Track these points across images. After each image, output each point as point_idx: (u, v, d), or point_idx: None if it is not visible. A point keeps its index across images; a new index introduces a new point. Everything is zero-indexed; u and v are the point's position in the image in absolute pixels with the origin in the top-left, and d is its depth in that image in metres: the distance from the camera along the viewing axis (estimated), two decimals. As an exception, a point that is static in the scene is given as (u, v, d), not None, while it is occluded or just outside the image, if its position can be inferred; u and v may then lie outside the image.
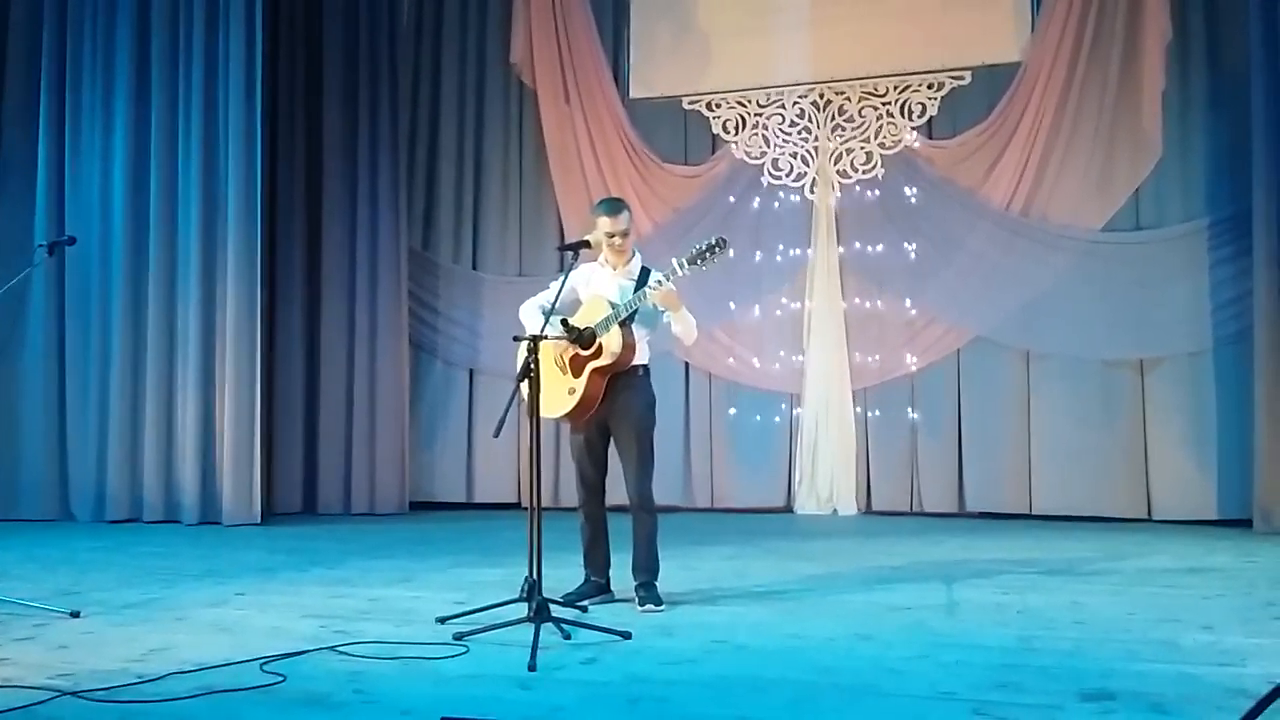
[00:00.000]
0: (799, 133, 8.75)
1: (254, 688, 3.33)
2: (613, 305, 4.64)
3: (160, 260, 8.35)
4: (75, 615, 4.45)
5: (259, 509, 8.16)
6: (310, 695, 3.27)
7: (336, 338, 9.15)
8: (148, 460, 8.27)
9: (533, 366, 4.22)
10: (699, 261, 4.56)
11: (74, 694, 3.24)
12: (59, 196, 8.60)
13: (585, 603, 4.64)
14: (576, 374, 4.64)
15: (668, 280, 4.59)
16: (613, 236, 4.75)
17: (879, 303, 8.50)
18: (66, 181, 8.60)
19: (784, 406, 8.70)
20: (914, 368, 8.39)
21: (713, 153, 8.99)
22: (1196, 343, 7.80)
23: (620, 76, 9.21)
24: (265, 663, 3.63)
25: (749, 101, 8.90)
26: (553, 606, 4.11)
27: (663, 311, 4.74)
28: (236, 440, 8.10)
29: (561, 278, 4.65)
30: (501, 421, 4.29)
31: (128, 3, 8.53)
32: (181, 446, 8.22)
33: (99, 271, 8.47)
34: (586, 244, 4.70)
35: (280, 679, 3.43)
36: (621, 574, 4.80)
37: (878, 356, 8.46)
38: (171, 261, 8.36)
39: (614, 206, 4.83)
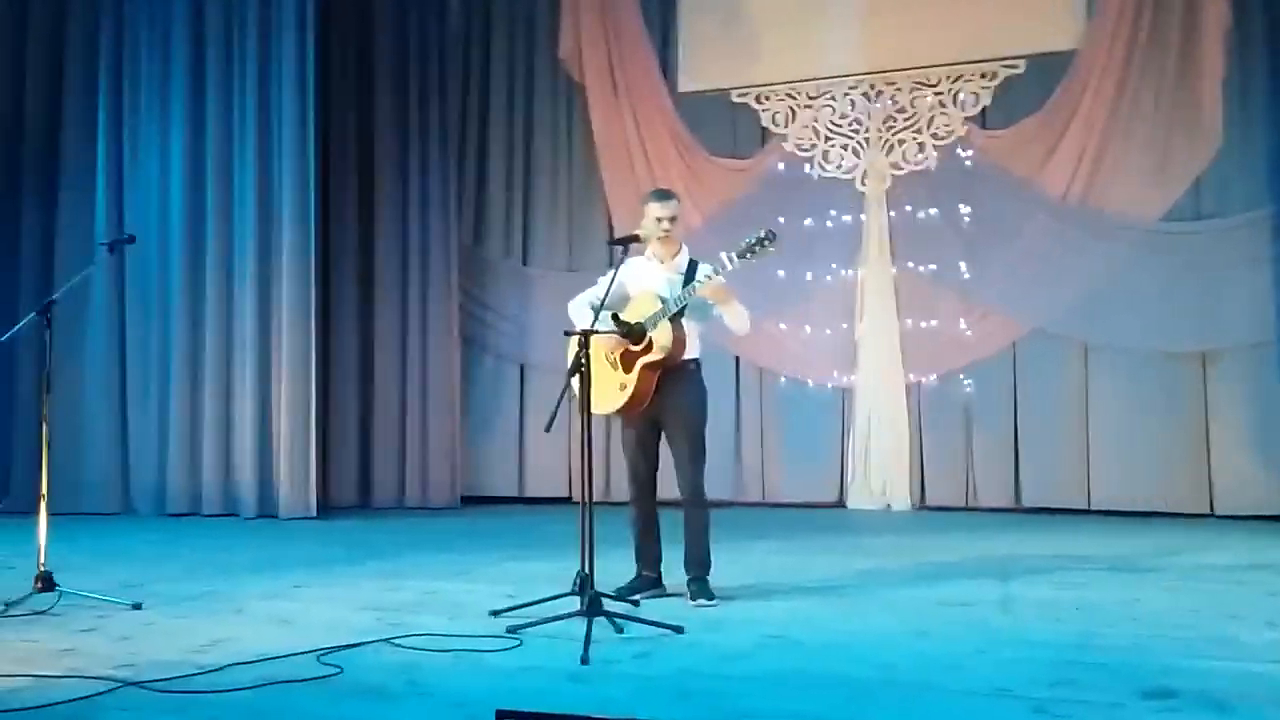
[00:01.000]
0: (849, 124, 8.68)
1: (312, 679, 3.37)
2: (662, 300, 4.63)
3: (217, 259, 8.49)
4: (137, 607, 4.53)
5: (315, 502, 8.25)
6: (366, 687, 3.31)
7: (389, 333, 9.25)
8: (207, 455, 8.41)
9: (584, 362, 4.23)
10: (748, 255, 4.55)
11: (136, 684, 3.30)
12: (118, 196, 8.78)
13: (637, 597, 4.64)
14: (628, 370, 4.64)
15: (717, 274, 4.59)
16: (661, 221, 4.74)
17: (934, 294, 8.40)
18: (125, 181, 8.77)
19: (837, 400, 8.64)
20: (969, 357, 8.28)
21: (762, 146, 8.95)
22: (1260, 334, 7.62)
23: (669, 70, 9.19)
24: (323, 654, 3.67)
25: (799, 93, 8.84)
26: (605, 600, 4.10)
27: (713, 305, 4.73)
28: (293, 435, 8.21)
29: (611, 273, 4.65)
30: (553, 417, 4.31)
31: (184, 5, 8.67)
32: (240, 441, 8.35)
33: (158, 270, 8.63)
34: (636, 238, 4.69)
35: (337, 670, 3.47)
36: (673, 568, 4.80)
37: (932, 340, 8.36)
38: (228, 260, 8.49)
39: (664, 194, 4.89)
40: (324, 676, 3.40)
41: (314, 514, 8.19)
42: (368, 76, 9.42)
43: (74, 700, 3.14)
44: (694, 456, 4.71)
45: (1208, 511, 7.68)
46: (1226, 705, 3.02)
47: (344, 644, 3.81)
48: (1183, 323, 7.76)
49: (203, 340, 8.51)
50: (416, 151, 9.25)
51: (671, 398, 4.69)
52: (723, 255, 4.60)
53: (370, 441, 9.26)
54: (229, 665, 3.54)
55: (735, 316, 4.74)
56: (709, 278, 4.60)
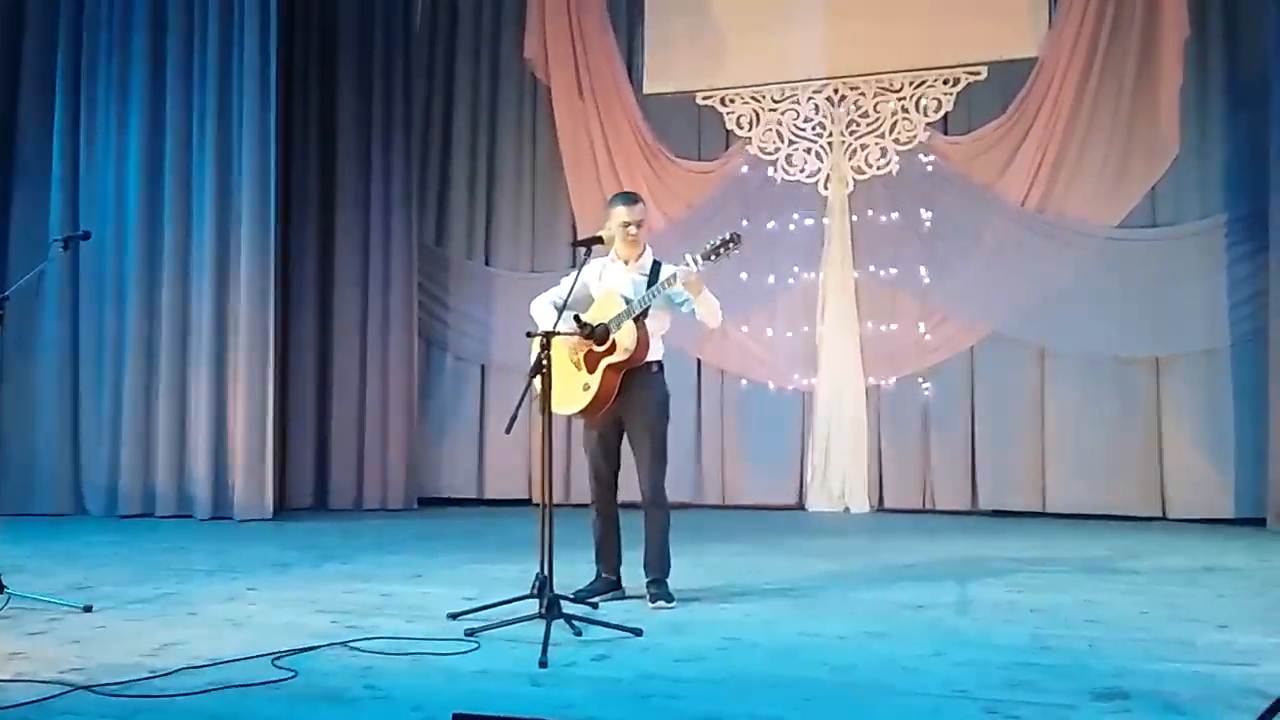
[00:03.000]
0: (813, 129, 8.72)
1: (266, 683, 3.34)
2: (626, 301, 4.63)
3: (174, 255, 8.37)
4: (88, 609, 4.47)
5: (271, 504, 8.17)
6: (322, 690, 3.28)
7: (349, 333, 9.16)
8: (160, 455, 8.30)
9: (545, 362, 4.22)
10: (713, 257, 4.56)
11: (87, 688, 3.25)
12: (73, 191, 8.63)
13: (596, 599, 4.63)
14: (591, 370, 4.63)
15: (686, 272, 4.58)
16: (628, 226, 4.73)
17: (894, 298, 8.46)
18: (81, 176, 8.64)
19: (797, 403, 8.67)
20: (927, 361, 8.35)
21: (726, 149, 8.97)
22: (1213, 340, 7.74)
23: (634, 72, 9.18)
24: (277, 658, 3.63)
25: (763, 97, 8.87)
26: (564, 603, 4.09)
27: (681, 303, 4.73)
28: (249, 435, 8.12)
29: (574, 273, 4.65)
30: (514, 417, 4.29)
31: (143, -1, 8.57)
32: (194, 441, 8.24)
33: (113, 267, 8.50)
34: (599, 239, 4.68)
35: (292, 674, 3.43)
36: (633, 571, 4.80)
37: (891, 345, 8.42)
38: (185, 257, 8.38)
39: (630, 197, 4.87)
40: (279, 680, 3.37)
41: (270, 515, 8.10)
42: (330, 72, 9.34)
43: (23, 704, 3.08)
44: (655, 458, 4.71)
45: (1160, 515, 7.79)
46: (1178, 707, 3.06)
47: (300, 647, 3.78)
48: (1137, 329, 7.86)
49: (158, 339, 8.39)
50: (379, 150, 9.17)
51: (634, 399, 4.68)
52: (688, 257, 4.59)
53: (328, 442, 9.17)
54: (181, 669, 3.49)
55: (708, 307, 4.73)
56: (689, 266, 4.59)
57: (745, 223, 8.32)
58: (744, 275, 8.51)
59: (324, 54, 9.38)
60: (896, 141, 8.53)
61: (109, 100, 8.62)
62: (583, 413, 4.71)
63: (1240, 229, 7.71)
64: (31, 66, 8.83)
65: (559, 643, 3.78)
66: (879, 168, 8.54)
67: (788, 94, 8.81)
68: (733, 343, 8.66)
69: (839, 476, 8.49)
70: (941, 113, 8.51)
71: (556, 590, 4.07)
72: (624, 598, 4.76)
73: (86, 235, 5.59)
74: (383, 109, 9.19)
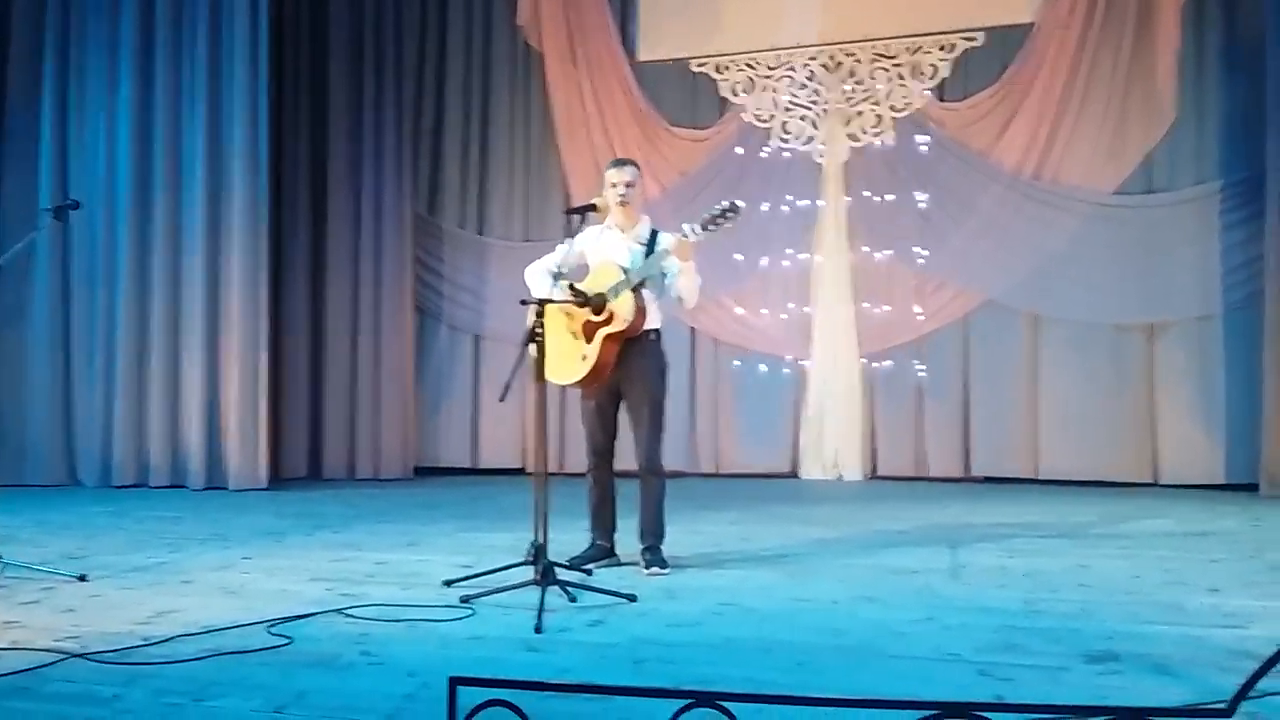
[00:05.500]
0: (808, 95, 8.66)
1: (261, 649, 3.35)
2: (624, 270, 4.60)
3: (165, 224, 8.32)
4: (82, 579, 4.47)
5: (265, 474, 8.17)
6: (317, 657, 3.28)
7: (342, 303, 9.15)
8: (154, 425, 8.28)
9: (539, 331, 4.20)
10: (711, 227, 4.53)
11: (82, 656, 3.25)
12: (63, 160, 8.57)
13: (591, 566, 4.64)
14: (589, 340, 4.61)
15: (678, 238, 4.56)
16: (615, 186, 4.71)
17: (888, 266, 8.44)
18: (70, 145, 8.56)
19: (790, 372, 8.67)
20: (922, 329, 8.34)
21: (721, 116, 8.92)
22: (1206, 307, 7.75)
23: (628, 39, 9.11)
24: (272, 625, 3.64)
25: (758, 64, 8.81)
26: (559, 569, 4.10)
27: (667, 274, 4.69)
28: (242, 405, 8.11)
29: (569, 241, 4.63)
30: (508, 385, 4.28)
31: (131, -35, 8.46)
32: (188, 411, 8.23)
33: (104, 236, 8.45)
34: (594, 207, 4.66)
35: (287, 641, 3.44)
36: (627, 538, 4.81)
37: (886, 311, 8.41)
38: (177, 225, 8.33)
39: (621, 160, 4.86)
40: (274, 647, 3.38)
41: (264, 485, 8.11)
42: (322, 41, 9.26)
43: (18, 672, 3.09)
44: (653, 427, 4.71)
45: (1152, 481, 7.82)
46: (1168, 668, 3.08)
47: (294, 615, 3.79)
48: (1131, 295, 7.87)
49: (151, 310, 8.35)
50: (371, 119, 9.12)
51: (632, 368, 4.67)
52: (685, 227, 4.57)
53: (321, 412, 9.18)
54: (176, 637, 3.50)
55: (689, 281, 4.70)
56: (685, 236, 4.57)
57: (740, 194, 8.27)
58: (738, 256, 8.49)
59: (315, 24, 9.31)
60: (893, 108, 8.49)
61: (98, 68, 8.53)
62: (580, 383, 4.70)
63: (1235, 195, 7.70)
64: (20, 35, 8.73)
65: (554, 609, 3.80)
66: (875, 134, 8.50)
67: (783, 60, 8.75)
68: (727, 313, 8.65)
69: (832, 444, 8.51)
70: (937, 78, 8.47)
71: (551, 557, 4.08)
72: (618, 564, 4.77)
73: (77, 204, 5.54)
74: (374, 76, 9.13)
